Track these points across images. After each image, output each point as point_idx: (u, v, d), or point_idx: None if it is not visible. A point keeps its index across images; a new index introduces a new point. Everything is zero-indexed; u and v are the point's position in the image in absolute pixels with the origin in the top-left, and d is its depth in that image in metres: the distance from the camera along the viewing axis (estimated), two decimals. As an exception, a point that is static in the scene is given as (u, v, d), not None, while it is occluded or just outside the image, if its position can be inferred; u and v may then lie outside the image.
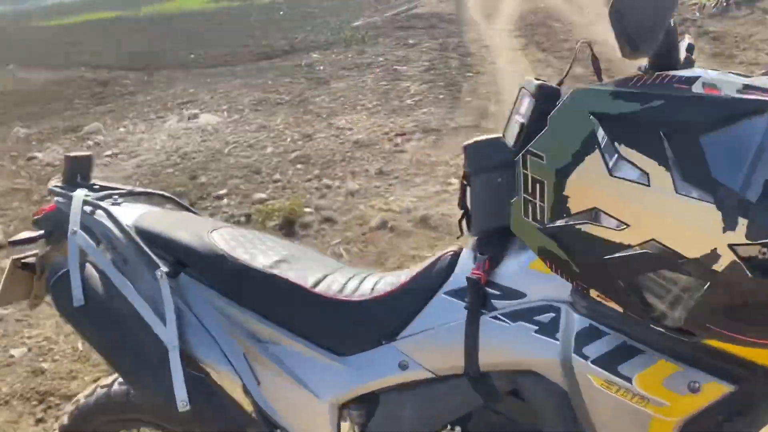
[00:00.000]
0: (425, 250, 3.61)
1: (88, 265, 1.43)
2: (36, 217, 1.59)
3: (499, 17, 12.38)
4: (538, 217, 0.98)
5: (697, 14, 9.01)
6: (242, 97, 7.91)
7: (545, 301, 1.10)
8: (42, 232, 1.54)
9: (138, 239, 1.39)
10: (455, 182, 4.54)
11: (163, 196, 1.77)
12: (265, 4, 17.87)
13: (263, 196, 4.56)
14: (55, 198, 1.57)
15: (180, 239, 1.41)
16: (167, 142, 6.18)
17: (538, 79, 1.11)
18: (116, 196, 1.60)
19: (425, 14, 12.60)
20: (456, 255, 1.27)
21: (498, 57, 9.20)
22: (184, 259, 1.39)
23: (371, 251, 3.63)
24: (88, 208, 1.47)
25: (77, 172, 1.63)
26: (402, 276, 1.33)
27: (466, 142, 1.26)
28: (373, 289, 1.32)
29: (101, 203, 1.50)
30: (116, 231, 1.42)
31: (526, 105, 1.11)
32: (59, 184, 1.61)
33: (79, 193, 1.50)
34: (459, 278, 1.21)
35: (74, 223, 1.42)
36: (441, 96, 7.14)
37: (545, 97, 1.08)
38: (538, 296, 1.11)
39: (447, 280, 1.23)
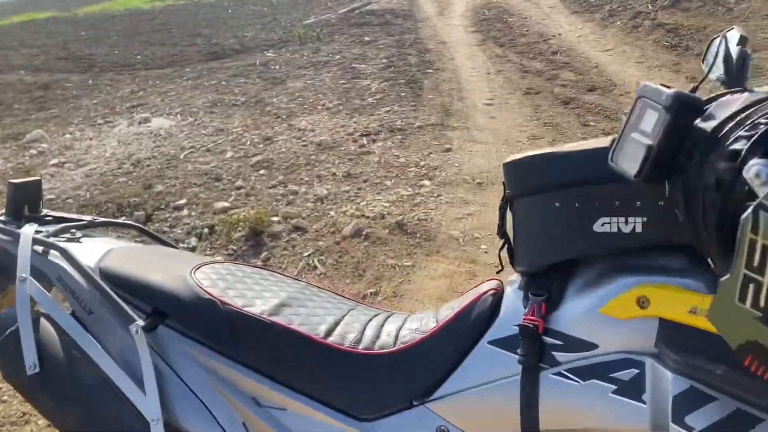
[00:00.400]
0: (404, 258, 3.43)
1: (42, 319, 1.19)
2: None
3: (453, 13, 12.30)
4: (763, 304, 0.71)
5: (650, 6, 9.09)
6: (195, 99, 7.56)
7: (623, 353, 0.93)
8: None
9: (105, 285, 1.16)
10: (428, 184, 4.39)
11: (130, 225, 1.54)
12: (211, 3, 17.34)
13: (226, 204, 4.30)
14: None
15: (157, 283, 1.18)
16: (118, 149, 5.82)
17: (664, 86, 0.83)
18: (74, 230, 1.36)
19: (379, 11, 12.39)
20: (497, 294, 1.09)
21: (456, 53, 9.10)
22: (164, 308, 1.17)
23: (347, 262, 3.43)
24: (39, 248, 1.24)
25: (24, 202, 1.38)
26: (430, 319, 1.14)
27: (507, 159, 1.08)
28: (397, 337, 1.13)
29: (56, 241, 1.26)
30: (77, 276, 1.19)
31: (652, 120, 0.83)
32: (2, 218, 1.36)
33: (28, 230, 1.26)
34: (505, 324, 1.03)
35: (23, 268, 1.18)
36: (403, 94, 6.97)
37: (685, 110, 0.81)
38: (613, 347, 0.94)
39: (490, 325, 1.05)
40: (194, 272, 1.21)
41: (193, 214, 4.22)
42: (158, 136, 6.13)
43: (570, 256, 0.99)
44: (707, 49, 1.33)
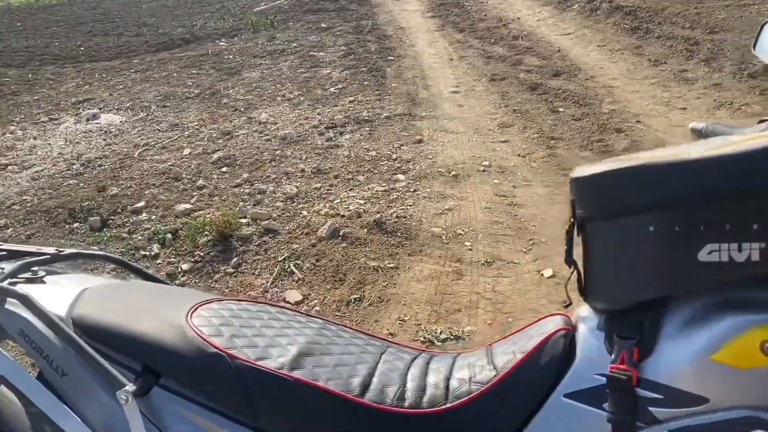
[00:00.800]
0: (386, 259, 3.25)
1: (1, 387, 0.96)
2: None
3: (408, -3, 12.08)
4: None
5: (607, -10, 9.07)
6: (145, 92, 7.17)
7: (744, 410, 0.77)
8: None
9: (81, 340, 0.93)
10: (402, 178, 4.21)
11: (104, 257, 1.29)
12: (155, -11, 16.62)
13: (188, 206, 4.02)
14: (-56, 280, 1.08)
15: (147, 334, 0.97)
16: (65, 148, 5.43)
17: None
18: (35, 268, 1.12)
19: (332, -4, 12.07)
20: (569, 335, 0.91)
21: (416, 39, 8.91)
22: (157, 366, 0.95)
23: (326, 265, 3.23)
24: None
25: None
26: (484, 365, 0.96)
27: (579, 173, 0.90)
28: (447, 389, 0.94)
29: (14, 284, 1.02)
30: (44, 329, 0.97)
31: None
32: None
33: None
34: (585, 373, 0.86)
35: None
36: (366, 82, 6.75)
37: None
38: (729, 402, 0.78)
39: (564, 374, 0.87)
40: (190, 316, 0.99)
41: (153, 217, 3.93)
42: (109, 134, 5.76)
43: (668, 291, 0.83)
44: (759, 33, 1.24)
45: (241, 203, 4.03)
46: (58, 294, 1.06)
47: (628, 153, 3.79)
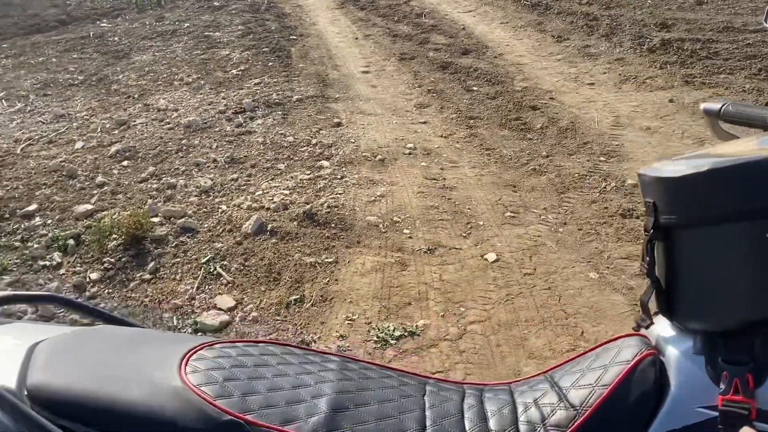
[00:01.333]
0: (323, 254, 3.04)
1: None
2: None
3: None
4: None
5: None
6: (21, 80, 6.41)
7: None
8: None
9: (47, 424, 0.68)
10: (327, 165, 3.99)
11: (49, 298, 1.00)
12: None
13: (89, 207, 3.59)
14: None
15: (136, 404, 0.72)
16: (-71, 147, 4.73)
17: None
18: None
19: (222, -27, 11.42)
20: (656, 361, 0.77)
21: (317, 17, 8.61)
22: None
23: (257, 265, 2.97)
24: None
25: None
26: (556, 401, 0.80)
27: (658, 173, 0.75)
28: None
29: None
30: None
31: None
32: None
33: None
34: (684, 406, 0.72)
35: None
36: (270, 63, 6.41)
37: None
38: None
39: (659, 409, 0.73)
40: (185, 372, 0.76)
41: (49, 222, 3.48)
42: (-19, 128, 5.08)
43: None
44: None
45: (150, 200, 3.65)
46: (1, 356, 0.79)
47: (544, 130, 3.75)
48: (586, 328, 2.42)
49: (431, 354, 2.31)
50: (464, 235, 3.17)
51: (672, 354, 0.77)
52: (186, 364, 0.78)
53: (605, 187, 3.58)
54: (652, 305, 0.82)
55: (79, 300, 1.03)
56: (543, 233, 3.16)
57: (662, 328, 0.81)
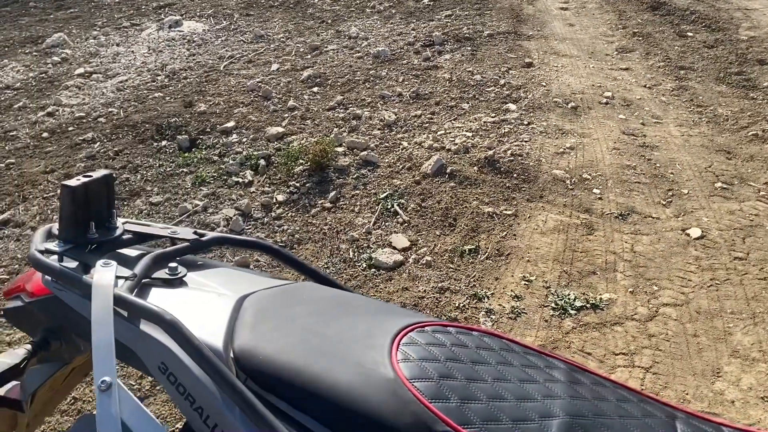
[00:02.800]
0: (502, 204, 2.89)
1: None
2: (7, 307, 0.83)
3: None
4: None
5: None
6: (227, -2, 6.80)
7: None
8: (26, 350, 0.79)
9: (250, 396, 0.65)
10: (514, 108, 3.77)
11: (260, 246, 0.99)
12: None
13: (280, 130, 3.74)
14: (47, 279, 0.80)
15: (340, 390, 0.67)
16: (149, 57, 5.20)
17: None
18: (174, 265, 0.83)
19: None
20: None
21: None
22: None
23: (433, 207, 2.90)
24: (123, 317, 0.72)
25: (88, 217, 0.85)
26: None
27: None
28: None
29: (152, 296, 0.74)
30: (195, 369, 0.68)
31: None
32: (54, 245, 0.84)
33: (104, 278, 0.74)
34: None
35: (104, 366, 0.67)
36: (463, -5, 6.15)
37: None
38: None
39: None
40: (396, 360, 0.69)
41: (244, 140, 3.67)
42: (192, 43, 5.47)
43: None
44: None
45: (335, 129, 3.71)
46: (209, 307, 0.79)
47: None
48: (808, 333, 2.07)
49: (615, 332, 2.12)
50: (664, 203, 2.85)
51: None
52: (397, 349, 0.72)
53: None
54: None
55: (288, 252, 1.00)
56: (761, 212, 2.74)
57: None
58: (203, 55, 5.15)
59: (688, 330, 2.12)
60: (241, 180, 3.28)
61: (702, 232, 2.61)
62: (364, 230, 2.82)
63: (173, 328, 0.70)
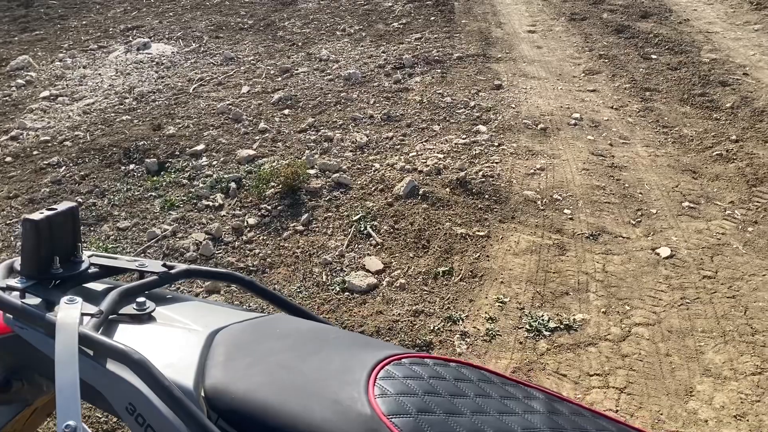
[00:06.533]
0: (474, 225, 2.90)
1: None
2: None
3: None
4: None
5: None
6: (197, 21, 6.77)
7: None
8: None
9: None
10: (484, 130, 3.80)
11: (229, 277, 0.96)
12: None
13: (251, 152, 3.70)
14: (8, 317, 0.77)
15: (317, 426, 0.65)
16: (117, 80, 5.13)
17: None
18: (141, 300, 0.81)
19: None
20: None
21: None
22: None
23: (406, 229, 2.90)
24: (89, 356, 0.69)
25: (53, 251, 0.82)
26: None
27: None
28: None
29: (119, 334, 0.71)
30: (165, 410, 0.65)
31: None
32: (16, 281, 0.80)
33: (69, 315, 0.70)
34: None
35: (68, 408, 0.64)
36: (432, 17, 6.25)
37: None
38: None
39: None
40: (373, 395, 0.67)
41: (214, 163, 3.63)
42: (161, 65, 5.42)
43: None
44: None
45: (307, 151, 3.69)
46: (179, 344, 0.76)
47: (735, 110, 3.28)
48: (777, 350, 2.10)
49: (589, 353, 2.12)
50: (633, 223, 2.89)
51: None
52: (374, 384, 0.70)
53: (809, 185, 3.10)
54: None
55: (260, 284, 0.97)
56: (728, 231, 2.79)
57: None
58: (172, 78, 5.10)
59: (661, 350, 2.13)
60: (211, 203, 3.24)
61: (671, 251, 2.65)
62: (337, 253, 2.79)
63: (141, 367, 0.67)
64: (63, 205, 0.84)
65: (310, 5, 7.09)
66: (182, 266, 0.92)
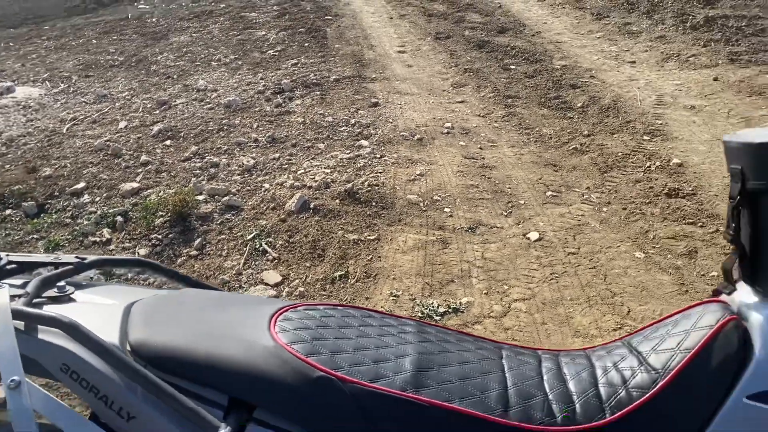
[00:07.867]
0: (365, 231, 3.07)
1: None
2: None
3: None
4: None
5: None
6: (63, 61, 6.57)
7: None
8: None
9: (152, 377, 0.73)
10: (366, 144, 4.00)
11: (137, 262, 1.06)
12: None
13: (135, 185, 3.68)
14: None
15: (233, 360, 0.77)
16: (-20, 127, 4.87)
17: None
18: (61, 283, 0.89)
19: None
20: (740, 326, 0.78)
21: (351, -3, 8.58)
22: (250, 397, 0.76)
23: (302, 242, 3.02)
24: (20, 324, 0.77)
25: None
26: (636, 365, 0.81)
27: (744, 139, 0.76)
28: (599, 398, 0.79)
29: (46, 310, 0.80)
30: (97, 363, 0.75)
31: None
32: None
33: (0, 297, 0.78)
34: (767, 368, 0.73)
35: (10, 366, 0.72)
36: (306, 44, 6.44)
37: None
38: None
39: (742, 373, 0.74)
40: (275, 332, 0.80)
41: (97, 199, 3.57)
42: (28, 108, 5.22)
43: None
44: None
45: (193, 179, 3.72)
46: (100, 314, 0.84)
47: (585, 109, 3.73)
48: (633, 307, 2.41)
49: (475, 330, 2.33)
50: (505, 214, 3.17)
51: (755, 319, 0.78)
52: (274, 325, 0.82)
53: (650, 167, 3.54)
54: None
55: (167, 267, 1.08)
56: (586, 213, 3.14)
57: (744, 294, 0.82)
58: (42, 120, 4.93)
59: (537, 320, 2.38)
60: (98, 239, 3.19)
61: (539, 234, 2.95)
62: (234, 272, 2.86)
63: (72, 328, 0.76)
64: None
65: (182, 38, 7.07)
66: (94, 256, 1.00)
